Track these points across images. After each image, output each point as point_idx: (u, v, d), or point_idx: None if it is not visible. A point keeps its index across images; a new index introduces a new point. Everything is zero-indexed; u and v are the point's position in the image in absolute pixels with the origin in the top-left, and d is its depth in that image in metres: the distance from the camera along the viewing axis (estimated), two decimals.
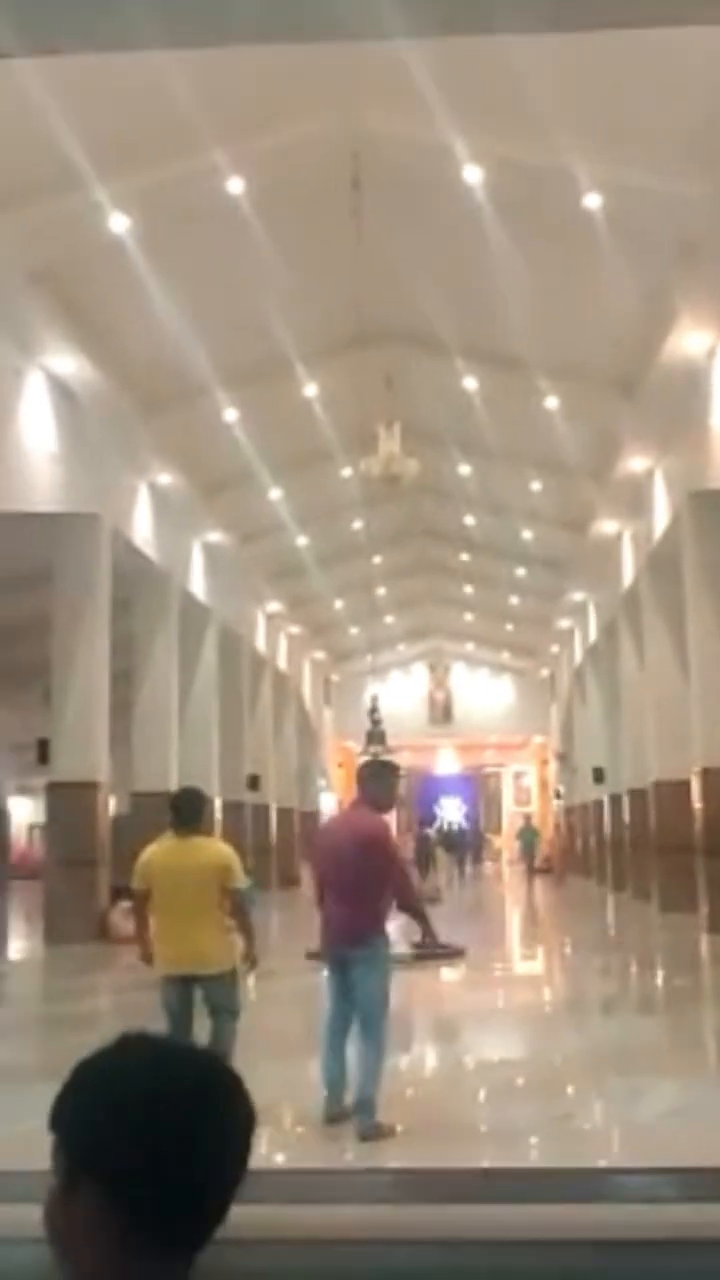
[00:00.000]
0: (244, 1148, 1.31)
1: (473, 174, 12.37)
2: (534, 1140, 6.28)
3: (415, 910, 6.79)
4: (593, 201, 12.13)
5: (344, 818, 7.33)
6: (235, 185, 12.31)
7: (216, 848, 6.57)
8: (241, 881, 6.34)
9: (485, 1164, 5.57)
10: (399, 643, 42.63)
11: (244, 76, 10.38)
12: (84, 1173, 1.26)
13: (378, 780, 6.59)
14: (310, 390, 17.83)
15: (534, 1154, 5.95)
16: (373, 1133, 5.87)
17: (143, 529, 19.27)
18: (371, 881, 6.21)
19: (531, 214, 12.97)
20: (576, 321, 15.49)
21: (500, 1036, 9.84)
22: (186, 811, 6.41)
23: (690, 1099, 6.92)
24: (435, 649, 45.62)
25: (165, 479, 19.36)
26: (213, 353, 15.75)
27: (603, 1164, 5.68)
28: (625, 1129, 6.41)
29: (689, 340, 14.58)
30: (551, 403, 17.51)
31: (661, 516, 18.88)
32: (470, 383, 17.81)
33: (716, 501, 15.87)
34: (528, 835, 34.60)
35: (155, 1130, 1.25)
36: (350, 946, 6.22)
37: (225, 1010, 6.29)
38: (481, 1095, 7.42)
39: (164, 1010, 6.18)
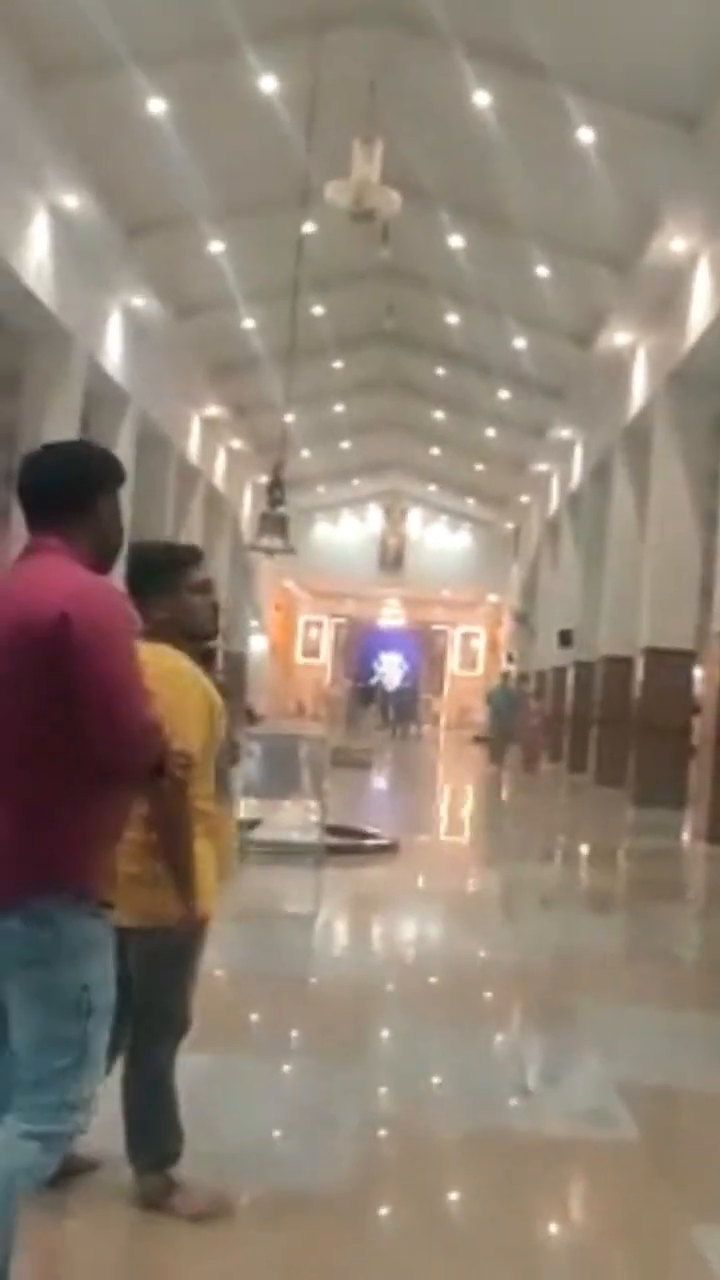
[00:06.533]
0: None
1: None
2: None
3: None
4: None
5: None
6: None
7: None
8: None
9: None
10: (354, 476, 38.45)
11: None
12: None
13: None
14: (268, 84, 13.28)
15: None
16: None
17: (38, 263, 14.80)
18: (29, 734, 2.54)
19: None
20: None
21: (463, 1020, 6.14)
22: None
23: None
24: (393, 489, 41.54)
25: (71, 201, 14.80)
26: (126, 17, 11.26)
27: None
28: None
29: None
30: (586, 136, 13.14)
31: (701, 314, 14.79)
32: (482, 98, 13.36)
33: None
34: (499, 698, 24.54)
35: None
36: None
37: None
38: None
39: None
